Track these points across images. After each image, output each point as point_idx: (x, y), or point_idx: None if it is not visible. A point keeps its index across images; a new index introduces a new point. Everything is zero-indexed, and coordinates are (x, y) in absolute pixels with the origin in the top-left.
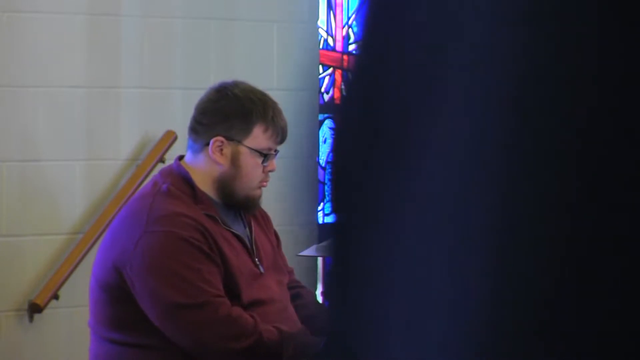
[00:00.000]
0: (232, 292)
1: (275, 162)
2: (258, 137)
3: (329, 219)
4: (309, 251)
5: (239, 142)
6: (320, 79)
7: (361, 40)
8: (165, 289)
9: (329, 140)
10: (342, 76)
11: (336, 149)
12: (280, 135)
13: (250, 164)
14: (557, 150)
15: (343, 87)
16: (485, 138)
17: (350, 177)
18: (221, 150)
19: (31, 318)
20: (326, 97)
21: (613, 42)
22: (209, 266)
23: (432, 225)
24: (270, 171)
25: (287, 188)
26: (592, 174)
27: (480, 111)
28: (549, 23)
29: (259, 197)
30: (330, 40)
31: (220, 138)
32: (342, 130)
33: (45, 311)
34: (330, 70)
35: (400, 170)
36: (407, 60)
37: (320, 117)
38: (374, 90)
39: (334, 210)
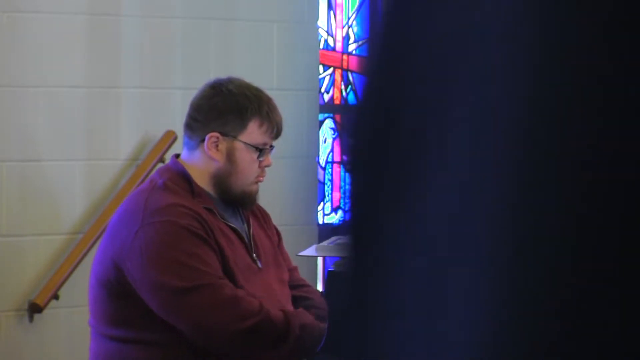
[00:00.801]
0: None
1: (276, 162)
2: (253, 132)
3: (332, 218)
4: (309, 251)
5: (235, 137)
6: (320, 79)
7: (380, 38)
8: (167, 277)
9: (330, 140)
10: (342, 76)
11: (354, 148)
12: (276, 130)
13: (246, 159)
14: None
15: (362, 84)
16: (498, 143)
17: (368, 175)
18: (217, 146)
19: (31, 318)
20: (326, 97)
21: (617, 63)
22: (208, 251)
23: (448, 223)
24: (266, 166)
25: (287, 188)
26: (599, 185)
27: (493, 116)
28: (559, 47)
29: (256, 192)
30: (330, 40)
31: (215, 134)
32: (360, 128)
33: (45, 311)
34: (330, 70)
35: (417, 168)
36: (427, 57)
37: (320, 117)
38: (393, 88)
39: (352, 204)
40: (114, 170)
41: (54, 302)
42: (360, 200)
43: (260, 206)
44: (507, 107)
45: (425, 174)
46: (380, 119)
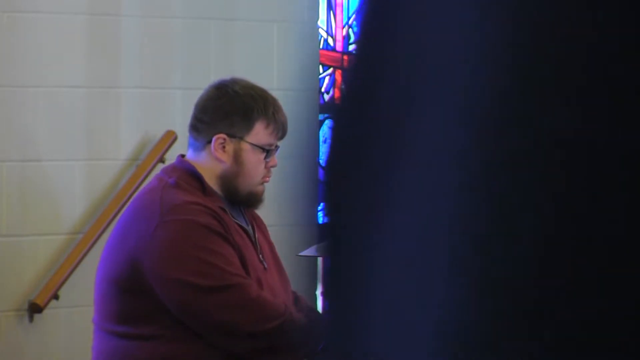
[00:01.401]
0: None
1: (276, 162)
2: (259, 133)
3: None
4: (309, 251)
5: (241, 138)
6: (320, 79)
7: (356, 45)
8: (192, 276)
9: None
10: (343, 76)
11: (331, 149)
12: (281, 130)
13: (253, 160)
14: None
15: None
16: (468, 143)
17: (343, 177)
18: (223, 147)
19: (31, 318)
20: (326, 97)
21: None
22: (230, 250)
23: (422, 225)
24: (272, 166)
25: (287, 188)
26: (575, 181)
27: (463, 119)
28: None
29: (262, 192)
30: (330, 40)
31: (222, 135)
32: (336, 132)
33: (45, 311)
34: (330, 70)
35: (392, 171)
36: (398, 62)
37: (320, 117)
38: (368, 90)
39: (327, 210)
40: (114, 170)
41: (54, 302)
42: (336, 202)
43: (257, 214)
44: (475, 112)
45: (395, 182)
46: (355, 127)
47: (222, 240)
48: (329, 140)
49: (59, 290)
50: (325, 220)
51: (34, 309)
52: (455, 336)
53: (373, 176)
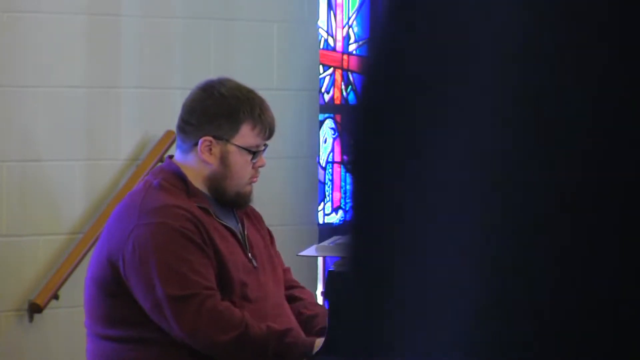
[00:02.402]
0: (226, 283)
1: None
2: (246, 135)
3: (333, 218)
4: (309, 251)
5: (228, 141)
6: (320, 79)
7: (378, 40)
8: (157, 280)
9: (330, 140)
10: (343, 76)
11: (352, 148)
12: (268, 131)
13: (240, 162)
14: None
15: (362, 78)
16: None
17: (369, 174)
18: (210, 149)
19: (31, 318)
20: (326, 97)
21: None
22: (200, 257)
23: (449, 222)
24: (260, 167)
25: (287, 188)
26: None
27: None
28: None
29: (250, 192)
30: (330, 40)
31: (208, 138)
32: (358, 128)
33: (45, 311)
34: (330, 70)
35: (414, 169)
36: (421, 59)
37: (320, 117)
38: (388, 87)
39: (353, 204)
40: (114, 170)
41: (54, 302)
42: (361, 200)
43: (252, 207)
44: (500, 108)
45: (420, 175)
46: (377, 120)
47: (194, 246)
48: (350, 138)
49: (59, 290)
50: (349, 218)
51: (34, 309)
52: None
53: (401, 176)
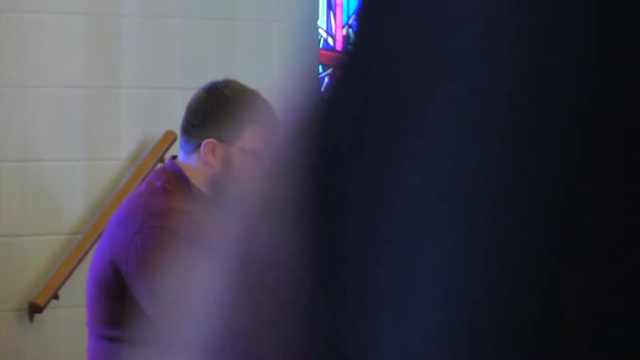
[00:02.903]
0: None
1: None
2: (250, 138)
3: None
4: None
5: (231, 143)
6: (320, 79)
7: (355, 36)
8: (157, 286)
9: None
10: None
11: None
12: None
13: (243, 165)
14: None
15: (330, 82)
16: (478, 134)
17: (340, 171)
18: (213, 152)
19: (31, 318)
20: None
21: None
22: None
23: (422, 222)
24: None
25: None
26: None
27: (475, 107)
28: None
29: None
30: (330, 40)
31: (212, 140)
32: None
33: (45, 311)
34: (330, 70)
35: (392, 164)
36: (405, 52)
37: None
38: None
39: (320, 201)
40: (114, 170)
41: (54, 302)
42: (327, 192)
43: None
44: (487, 100)
45: (397, 168)
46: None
47: (197, 251)
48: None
49: (59, 290)
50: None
51: (34, 309)
52: (463, 332)
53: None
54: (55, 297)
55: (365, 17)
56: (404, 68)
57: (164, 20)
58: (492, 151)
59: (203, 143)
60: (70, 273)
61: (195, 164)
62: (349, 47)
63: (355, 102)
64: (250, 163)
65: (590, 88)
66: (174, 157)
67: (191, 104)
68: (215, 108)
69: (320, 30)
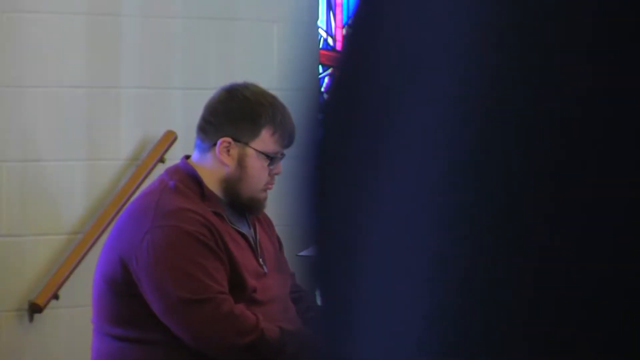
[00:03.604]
0: (239, 288)
1: (281, 170)
2: (265, 140)
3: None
4: (309, 251)
5: (246, 144)
6: (320, 79)
7: (342, 48)
8: (170, 284)
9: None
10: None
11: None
12: (288, 139)
13: (257, 166)
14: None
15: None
16: (455, 136)
17: (325, 178)
18: (228, 151)
19: (31, 318)
20: (326, 97)
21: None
22: (214, 262)
23: (405, 227)
24: (276, 174)
25: (287, 188)
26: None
27: (452, 110)
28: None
29: (264, 199)
30: (330, 40)
31: (227, 139)
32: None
33: (45, 311)
34: (330, 70)
35: (373, 170)
36: (387, 62)
37: (320, 117)
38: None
39: (308, 209)
40: (114, 170)
41: (54, 302)
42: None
43: (264, 213)
44: (468, 97)
45: (379, 173)
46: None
47: (208, 251)
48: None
49: (59, 290)
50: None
51: (34, 309)
52: (442, 337)
53: (355, 175)
54: (55, 297)
55: (354, 31)
56: (386, 77)
57: (164, 20)
58: (467, 155)
59: (219, 141)
60: (70, 273)
61: (209, 162)
62: (340, 56)
63: (341, 110)
64: (263, 164)
65: (554, 92)
66: (187, 157)
67: (210, 102)
68: (234, 108)
69: (320, 30)
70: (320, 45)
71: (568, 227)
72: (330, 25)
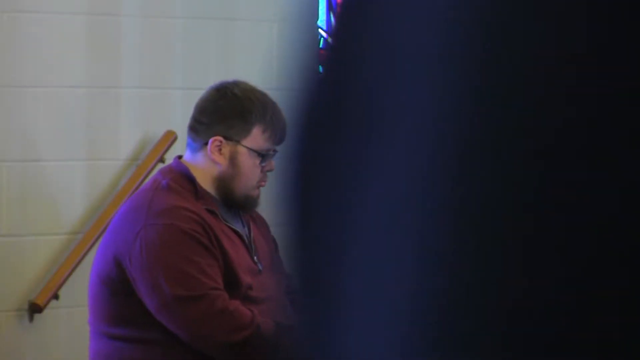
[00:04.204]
0: (233, 285)
1: (276, 162)
2: (257, 137)
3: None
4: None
5: (238, 142)
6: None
7: (331, 37)
8: (164, 281)
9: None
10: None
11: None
12: (279, 136)
13: (249, 164)
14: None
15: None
16: (446, 132)
17: (311, 175)
18: (220, 149)
19: (31, 318)
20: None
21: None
22: (208, 259)
23: (390, 224)
24: (268, 171)
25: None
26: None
27: (442, 109)
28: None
29: (258, 196)
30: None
31: (219, 138)
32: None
33: (45, 311)
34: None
35: (357, 170)
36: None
37: None
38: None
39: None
40: (114, 170)
41: (54, 302)
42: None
43: (259, 214)
44: (450, 103)
45: (363, 172)
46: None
47: (201, 248)
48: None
49: (59, 290)
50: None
51: (34, 309)
52: (429, 333)
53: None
54: (55, 297)
55: (341, 28)
56: (372, 76)
57: (164, 20)
58: (454, 152)
59: (210, 140)
60: (70, 273)
61: (202, 162)
62: (326, 54)
63: (327, 109)
64: (255, 162)
65: (544, 89)
66: (180, 157)
67: (200, 102)
68: (224, 106)
69: (320, 30)
70: (320, 46)
71: (553, 224)
72: (331, 25)
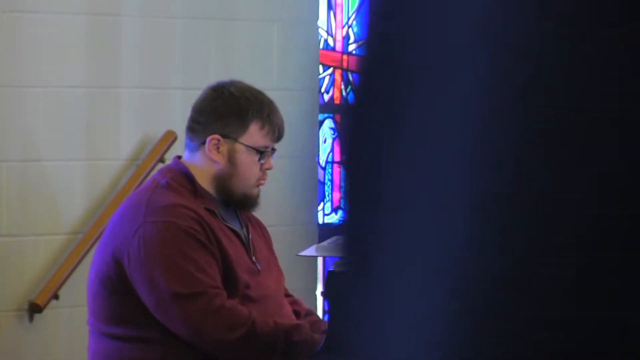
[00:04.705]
0: (231, 283)
1: (276, 162)
2: (254, 134)
3: (332, 218)
4: (309, 251)
5: (235, 140)
6: (320, 79)
7: (367, 36)
8: (162, 278)
9: (330, 140)
10: (342, 76)
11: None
12: (277, 132)
13: (247, 161)
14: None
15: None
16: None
17: (362, 170)
18: (217, 148)
19: (31, 318)
20: (326, 97)
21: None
22: (206, 257)
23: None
24: (267, 169)
25: (287, 188)
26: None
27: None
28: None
29: (257, 195)
30: (330, 40)
31: (216, 136)
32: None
33: (45, 311)
34: (330, 70)
35: (398, 162)
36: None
37: (320, 117)
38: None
39: (345, 202)
40: (114, 170)
41: (54, 302)
42: (352, 198)
43: (256, 217)
44: (496, 98)
45: (407, 178)
46: (375, 122)
47: (200, 246)
48: (346, 138)
49: (59, 290)
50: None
51: (34, 309)
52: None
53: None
54: (55, 297)
55: (377, 27)
56: (413, 80)
57: (164, 20)
58: (487, 154)
59: (208, 139)
60: (70, 273)
61: (200, 161)
62: (366, 57)
63: (378, 109)
64: (254, 159)
65: (566, 88)
66: (179, 157)
67: (197, 102)
68: (221, 105)
69: (320, 30)
70: (321, 46)
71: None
72: (330, 25)
